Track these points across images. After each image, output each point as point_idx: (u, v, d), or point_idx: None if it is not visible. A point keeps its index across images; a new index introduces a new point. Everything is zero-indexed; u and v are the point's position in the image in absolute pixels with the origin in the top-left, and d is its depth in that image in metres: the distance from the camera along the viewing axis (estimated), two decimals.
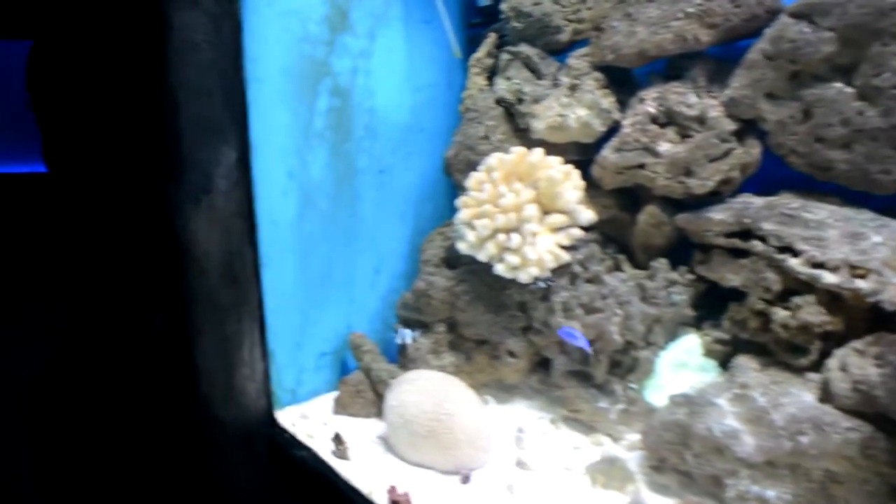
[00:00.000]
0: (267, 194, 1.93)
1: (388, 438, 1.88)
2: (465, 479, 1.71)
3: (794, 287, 1.62)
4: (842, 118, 1.62)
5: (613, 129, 1.97)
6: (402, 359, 2.09)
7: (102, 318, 2.13)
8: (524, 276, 1.87)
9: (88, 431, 2.17)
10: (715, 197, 1.83)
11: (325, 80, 2.00)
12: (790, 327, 1.60)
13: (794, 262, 1.59)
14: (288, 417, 2.04)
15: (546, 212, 1.92)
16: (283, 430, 2.01)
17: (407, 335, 2.02)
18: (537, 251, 1.86)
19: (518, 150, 1.94)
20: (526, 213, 1.87)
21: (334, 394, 2.12)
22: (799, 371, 1.60)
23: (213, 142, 1.83)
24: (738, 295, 1.76)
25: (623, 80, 2.02)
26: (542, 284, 1.87)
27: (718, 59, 1.88)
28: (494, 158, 1.95)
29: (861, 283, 1.49)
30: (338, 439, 1.85)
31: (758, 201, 1.76)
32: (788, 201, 1.72)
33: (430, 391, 1.82)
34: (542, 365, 2.05)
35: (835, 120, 1.63)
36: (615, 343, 1.81)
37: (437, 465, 1.77)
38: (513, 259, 1.87)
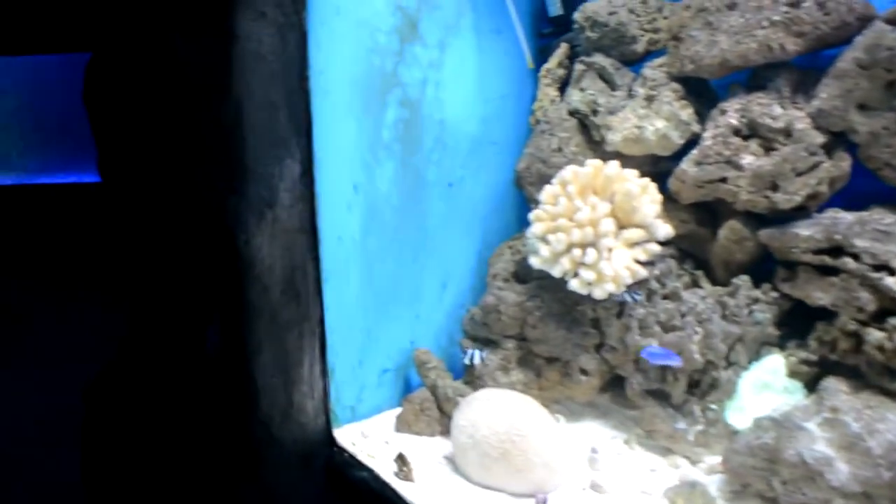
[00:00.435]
0: (331, 208, 1.91)
1: (456, 459, 1.83)
2: (542, 503, 1.66)
3: (891, 307, 1.54)
4: None
5: (691, 141, 1.91)
6: (468, 376, 2.05)
7: (161, 332, 2.14)
8: (599, 293, 1.82)
9: (142, 447, 2.18)
10: (801, 212, 1.76)
11: (394, 91, 1.98)
12: (886, 349, 1.52)
13: (890, 281, 1.52)
14: (347, 436, 2.00)
15: (622, 226, 1.87)
16: (343, 450, 1.97)
17: (475, 355, 1.98)
18: (613, 267, 1.81)
19: (593, 163, 1.90)
20: (602, 228, 1.82)
21: (396, 411, 2.09)
22: (895, 396, 1.53)
23: (277, 154, 1.82)
24: (825, 314, 1.68)
25: (700, 91, 1.97)
26: (628, 298, 1.81)
27: (802, 68, 1.82)
28: (569, 171, 1.91)
29: None
30: (402, 460, 1.81)
31: (848, 217, 1.69)
32: (882, 217, 1.64)
33: (502, 411, 1.77)
34: (613, 382, 1.99)
35: None
36: (696, 362, 1.75)
37: (508, 487, 1.73)
38: (588, 275, 1.82)
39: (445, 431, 1.98)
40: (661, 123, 1.90)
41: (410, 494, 1.73)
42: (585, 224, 1.84)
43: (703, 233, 1.94)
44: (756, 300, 1.81)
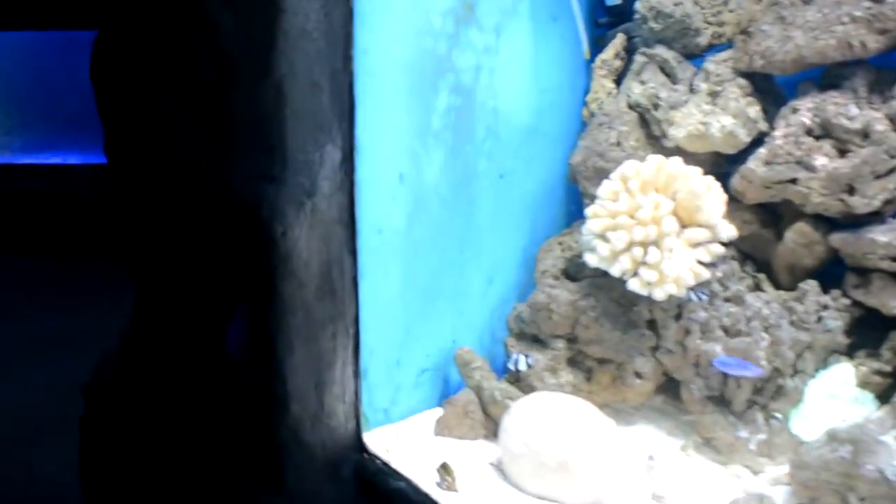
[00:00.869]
0: (373, 199, 1.82)
1: (506, 466, 1.76)
2: None
3: None
4: None
5: (756, 140, 1.85)
6: (510, 376, 1.98)
7: (170, 324, 2.04)
8: (659, 294, 1.75)
9: (151, 449, 2.08)
10: (875, 217, 1.70)
11: (447, 77, 1.90)
12: None
13: None
14: (380, 440, 1.91)
15: (684, 225, 1.80)
16: (375, 457, 1.88)
17: (521, 360, 1.90)
18: (676, 267, 1.74)
19: (655, 159, 1.83)
20: (665, 227, 1.75)
21: (432, 412, 2.02)
22: None
23: (318, 140, 1.72)
24: None
25: (765, 88, 1.90)
26: (694, 298, 1.74)
27: (878, 67, 1.75)
28: (630, 166, 1.83)
29: None
30: (445, 469, 1.72)
31: None
32: None
33: (561, 417, 1.70)
34: (665, 385, 1.93)
35: None
36: (763, 370, 1.68)
37: (566, 498, 1.65)
38: (649, 275, 1.75)
39: (490, 435, 1.91)
40: (727, 120, 1.83)
41: None
42: (648, 222, 1.77)
43: (766, 234, 1.87)
44: (825, 307, 1.75)
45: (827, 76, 1.80)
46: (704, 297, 1.76)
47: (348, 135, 1.77)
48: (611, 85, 2.06)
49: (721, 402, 1.78)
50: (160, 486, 2.04)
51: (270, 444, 1.87)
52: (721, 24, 1.95)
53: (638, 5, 2.00)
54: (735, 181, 1.84)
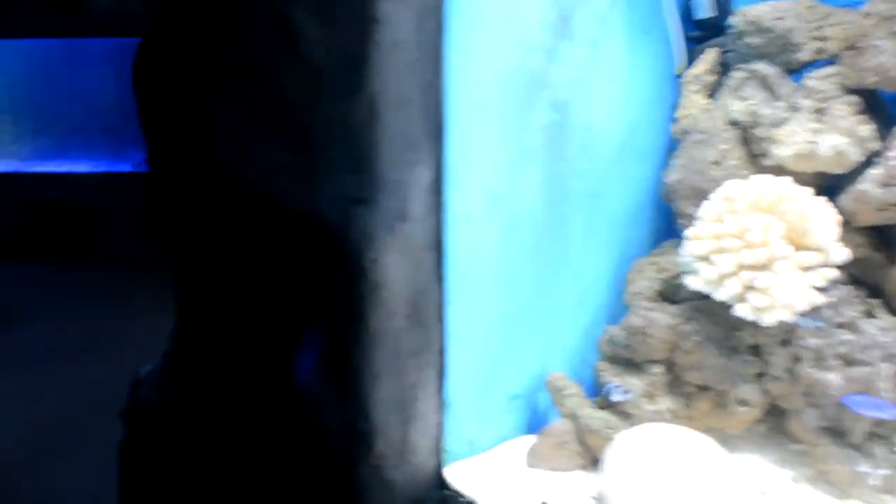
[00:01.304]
0: (463, 222, 1.74)
1: (611, 502, 1.67)
2: None
3: None
4: None
5: (866, 160, 1.78)
6: (601, 400, 1.90)
7: (240, 350, 1.96)
8: (770, 319, 1.68)
9: (211, 480, 1.99)
10: None
11: (544, 92, 1.83)
12: None
13: None
14: (465, 474, 1.83)
15: (793, 248, 1.72)
16: (459, 494, 1.80)
17: (618, 391, 1.82)
18: (787, 292, 1.67)
19: (761, 179, 1.76)
20: (776, 250, 1.68)
21: (520, 441, 1.94)
22: None
23: (409, 159, 1.65)
24: None
25: (874, 106, 1.83)
26: (811, 325, 1.67)
27: None
28: (735, 187, 1.77)
29: None
30: None
31: None
32: None
33: (672, 451, 1.63)
34: (768, 412, 1.85)
35: None
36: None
37: None
38: (760, 300, 1.68)
39: (587, 465, 1.84)
40: (837, 139, 1.76)
41: None
42: (757, 245, 1.69)
43: (878, 258, 1.80)
44: None
45: None
46: (821, 324, 1.69)
47: (438, 154, 1.70)
48: (703, 101, 1.99)
49: (835, 433, 1.71)
50: None
51: (349, 482, 1.79)
52: (823, 39, 1.88)
53: (734, 19, 1.93)
54: (845, 202, 1.77)
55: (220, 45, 1.71)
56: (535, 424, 1.95)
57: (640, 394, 1.86)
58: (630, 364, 1.92)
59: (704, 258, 1.76)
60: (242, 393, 2.02)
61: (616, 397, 1.82)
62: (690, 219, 1.83)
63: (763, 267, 1.70)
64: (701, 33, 2.07)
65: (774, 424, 1.86)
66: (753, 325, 1.73)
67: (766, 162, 1.87)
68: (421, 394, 1.75)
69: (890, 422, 1.67)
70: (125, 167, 7.79)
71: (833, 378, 1.67)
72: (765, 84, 1.92)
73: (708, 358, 1.81)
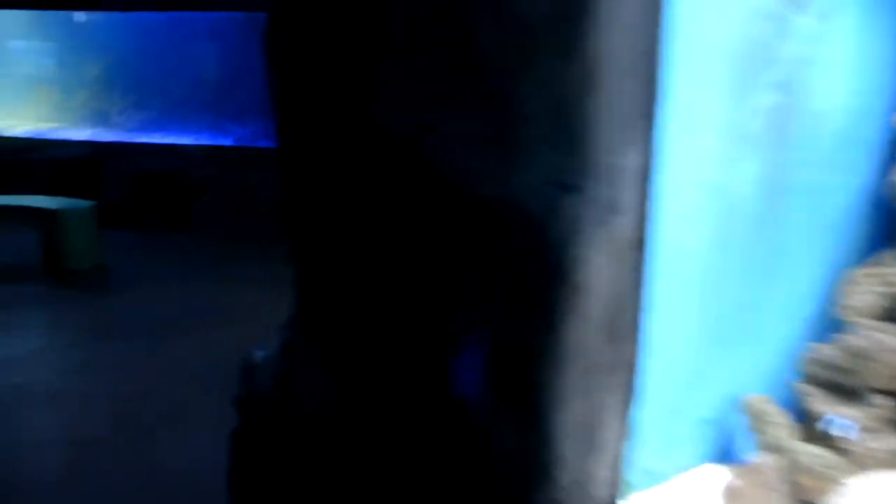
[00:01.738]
0: (672, 217, 1.48)
1: None
2: None
3: None
4: None
5: None
6: (809, 430, 1.63)
7: (383, 347, 1.76)
8: None
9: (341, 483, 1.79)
10: None
11: (770, 70, 1.56)
12: None
13: None
14: None
15: None
16: None
17: (841, 425, 1.55)
18: None
19: None
20: None
21: (706, 470, 1.69)
22: None
23: (623, 140, 1.39)
24: None
25: None
26: None
27: None
28: None
29: None
30: None
31: None
32: None
33: None
34: None
35: None
36: None
37: None
38: None
39: None
40: None
41: None
42: None
43: None
44: None
45: None
46: None
47: (651, 135, 1.45)
48: None
49: None
50: None
51: None
52: None
53: None
54: None
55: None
56: (722, 453, 1.70)
57: (861, 428, 1.59)
58: (845, 391, 1.65)
59: None
60: (380, 399, 1.83)
61: (837, 431, 1.55)
62: None
63: None
64: None
65: None
66: None
67: None
68: (607, 418, 1.52)
69: None
70: (227, 140, 7.73)
71: None
72: None
73: None
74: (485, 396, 1.56)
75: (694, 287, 1.57)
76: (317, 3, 1.64)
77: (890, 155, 1.72)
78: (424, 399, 1.71)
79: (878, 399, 1.59)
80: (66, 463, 3.41)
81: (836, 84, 1.69)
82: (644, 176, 1.45)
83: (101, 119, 8.84)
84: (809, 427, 1.62)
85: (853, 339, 1.62)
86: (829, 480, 1.50)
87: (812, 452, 1.56)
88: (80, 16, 8.76)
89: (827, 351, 1.66)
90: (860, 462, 1.54)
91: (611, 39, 1.32)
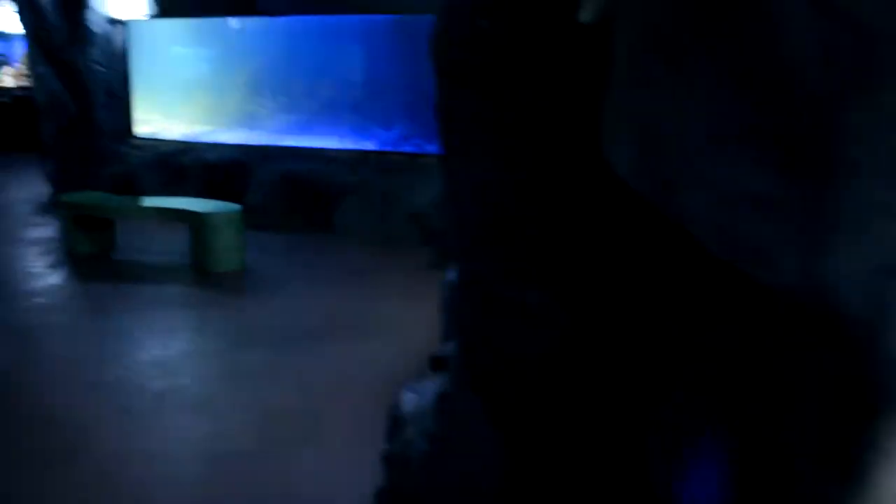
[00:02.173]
0: None
1: None
2: None
3: None
4: None
5: None
6: None
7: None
8: None
9: None
10: None
11: None
12: None
13: None
14: None
15: None
16: None
17: None
18: None
19: None
20: None
21: None
22: None
23: None
24: None
25: None
26: None
27: None
28: None
29: None
30: None
31: None
32: None
33: None
34: None
35: None
36: None
37: None
38: None
39: None
40: None
41: None
42: None
43: None
44: None
45: None
46: None
47: None
48: None
49: None
50: None
51: None
52: None
53: None
54: None
55: None
56: None
57: None
58: None
59: None
60: (561, 470, 1.48)
61: None
62: None
63: None
64: None
65: None
66: None
67: None
68: None
69: None
70: (371, 144, 7.58)
71: None
72: None
73: None
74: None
75: None
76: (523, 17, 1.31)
77: None
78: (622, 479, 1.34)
79: None
80: (204, 476, 3.26)
81: None
82: None
83: (251, 122, 8.99)
84: None
85: None
86: None
87: None
88: (234, 21, 8.95)
89: None
90: None
91: None
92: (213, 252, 6.14)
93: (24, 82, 12.34)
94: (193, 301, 5.52)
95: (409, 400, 1.80)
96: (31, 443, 3.47)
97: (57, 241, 7.08)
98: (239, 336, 4.84)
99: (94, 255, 6.59)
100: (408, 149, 7.62)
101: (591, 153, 1.15)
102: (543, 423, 1.44)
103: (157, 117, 9.07)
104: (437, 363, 2.25)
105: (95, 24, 8.14)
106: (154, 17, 8.09)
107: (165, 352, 4.56)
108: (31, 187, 9.46)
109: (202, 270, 6.14)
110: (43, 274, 6.11)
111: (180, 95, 9.52)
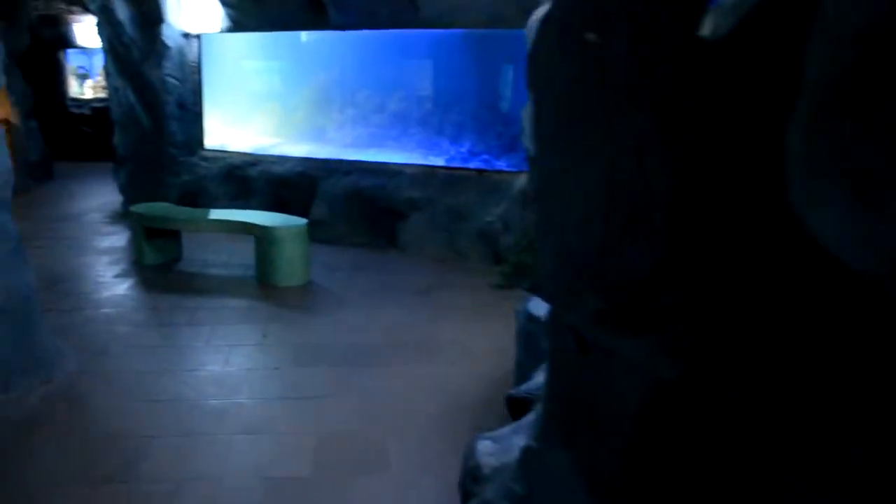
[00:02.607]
0: None
1: None
2: None
3: None
4: None
5: None
6: None
7: None
8: None
9: None
10: None
11: None
12: None
13: None
14: None
15: None
16: None
17: None
18: None
19: None
20: None
21: None
22: None
23: None
24: None
25: None
26: None
27: None
28: None
29: None
30: None
31: None
32: None
33: None
34: None
35: None
36: None
37: None
38: None
39: None
40: None
41: None
42: None
43: None
44: None
45: None
46: None
47: None
48: None
49: None
50: None
51: None
52: None
53: None
54: None
55: None
56: None
57: None
58: None
59: None
60: None
61: None
62: None
63: None
64: None
65: None
66: None
67: None
68: None
69: None
70: (439, 160, 7.43)
71: None
72: None
73: None
74: None
75: None
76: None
77: None
78: None
79: None
80: (258, 503, 3.13)
81: None
82: None
83: (319, 135, 8.99)
84: None
85: None
86: None
87: None
88: (305, 35, 8.98)
89: None
90: None
91: None
92: (279, 266, 6.08)
93: (102, 94, 12.70)
94: (256, 315, 5.45)
95: (486, 449, 1.61)
96: (88, 458, 3.41)
97: (126, 250, 7.15)
98: (301, 354, 4.73)
99: (161, 266, 6.62)
100: (476, 165, 7.45)
101: (723, 186, 0.96)
102: (641, 488, 1.25)
103: (227, 129, 9.15)
104: (514, 405, 2.07)
105: (170, 38, 8.25)
106: (227, 31, 8.15)
107: (226, 368, 4.48)
108: (105, 196, 9.66)
109: (267, 284, 6.08)
110: (111, 283, 6.15)
111: (250, 108, 9.59)
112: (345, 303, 5.79)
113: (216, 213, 6.76)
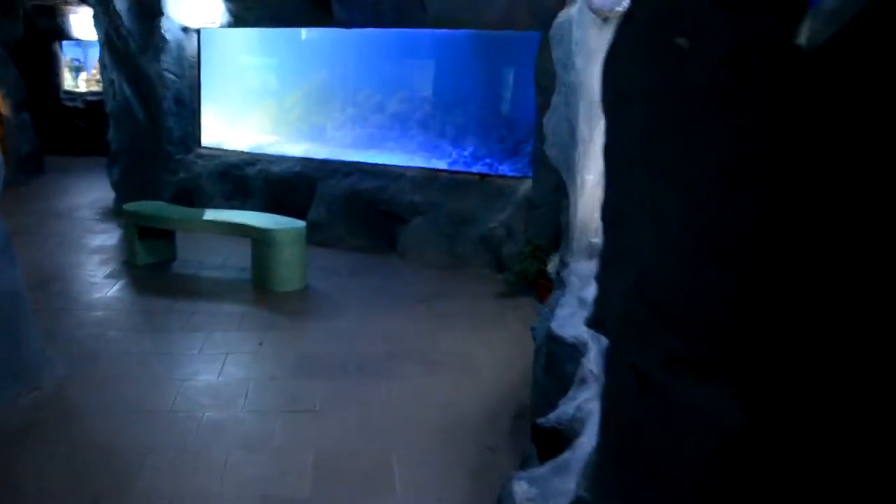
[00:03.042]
0: None
1: None
2: None
3: None
4: None
5: None
6: None
7: None
8: None
9: None
10: None
11: None
12: None
13: None
14: None
15: None
16: None
17: None
18: None
19: None
20: None
21: None
22: None
23: None
24: None
25: None
26: None
27: None
28: None
29: None
30: None
31: None
32: None
33: None
34: None
35: None
36: None
37: None
38: None
39: None
40: None
41: None
42: None
43: None
44: None
45: None
46: None
47: None
48: None
49: None
50: None
51: None
52: None
53: None
54: None
55: None
56: None
57: None
58: None
59: None
60: None
61: None
62: None
63: None
64: None
65: None
66: None
67: None
68: None
69: None
70: (441, 163, 7.24)
71: None
72: None
73: None
74: None
75: None
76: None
77: None
78: None
79: None
80: None
81: None
82: None
83: (318, 134, 8.80)
84: None
85: None
86: None
87: None
88: (306, 32, 8.80)
89: None
90: None
91: None
92: (275, 270, 5.89)
93: (96, 88, 12.47)
94: (252, 322, 5.26)
95: (525, 492, 1.45)
96: (82, 471, 3.23)
97: (118, 249, 6.94)
98: (298, 364, 4.55)
99: (154, 267, 6.42)
100: (479, 169, 7.28)
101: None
102: None
103: (224, 126, 8.95)
104: (543, 436, 1.90)
105: (169, 31, 8.05)
106: (227, 26, 7.95)
107: (223, 378, 4.29)
108: (97, 192, 9.43)
109: (263, 288, 5.90)
110: (102, 284, 5.94)
111: (249, 105, 9.40)
112: (343, 309, 5.61)
113: (212, 214, 6.57)
